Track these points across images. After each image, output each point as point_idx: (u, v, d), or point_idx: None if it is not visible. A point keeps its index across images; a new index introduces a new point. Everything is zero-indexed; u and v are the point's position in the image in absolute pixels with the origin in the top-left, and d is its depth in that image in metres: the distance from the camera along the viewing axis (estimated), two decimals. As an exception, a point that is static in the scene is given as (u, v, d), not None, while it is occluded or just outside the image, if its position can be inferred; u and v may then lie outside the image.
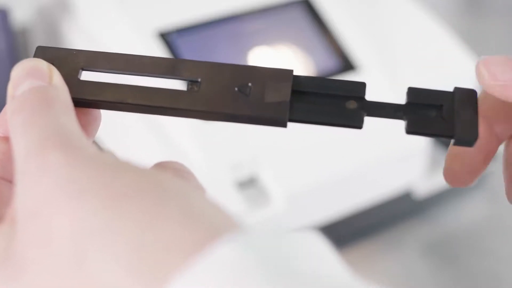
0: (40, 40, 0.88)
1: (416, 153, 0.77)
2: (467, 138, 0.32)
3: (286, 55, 0.80)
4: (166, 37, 0.75)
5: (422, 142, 0.77)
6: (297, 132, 0.74)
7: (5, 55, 0.79)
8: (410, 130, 0.32)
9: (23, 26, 0.93)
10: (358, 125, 0.32)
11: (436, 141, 0.81)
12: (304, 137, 0.74)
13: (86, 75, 0.33)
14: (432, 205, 0.84)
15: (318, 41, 0.80)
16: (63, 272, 0.26)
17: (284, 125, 0.32)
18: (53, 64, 0.32)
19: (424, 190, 0.81)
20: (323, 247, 0.26)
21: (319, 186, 0.73)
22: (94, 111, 0.33)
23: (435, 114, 0.32)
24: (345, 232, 0.78)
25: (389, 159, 0.76)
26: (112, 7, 0.78)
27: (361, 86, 0.33)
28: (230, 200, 0.68)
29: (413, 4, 0.88)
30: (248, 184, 0.72)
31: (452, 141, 0.32)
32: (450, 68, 0.82)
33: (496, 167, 0.80)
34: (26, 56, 0.32)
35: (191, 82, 0.32)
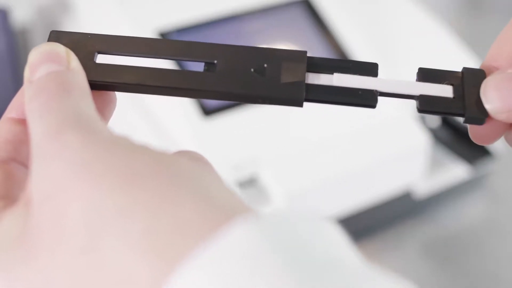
0: (40, 40, 0.88)
1: (416, 153, 0.77)
2: (477, 116, 0.32)
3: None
4: (166, 37, 0.76)
5: (422, 142, 0.77)
6: (297, 132, 0.74)
7: (5, 55, 0.79)
8: (421, 109, 0.33)
9: (23, 26, 0.93)
10: (373, 104, 0.32)
11: (436, 141, 0.81)
12: (304, 137, 0.74)
13: (101, 59, 0.33)
14: (432, 205, 0.84)
15: (318, 41, 0.80)
16: (76, 256, 0.26)
17: (301, 105, 0.32)
18: (68, 48, 0.32)
19: (424, 190, 0.81)
20: (337, 235, 0.26)
21: (319, 186, 0.73)
22: (110, 93, 0.33)
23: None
24: (345, 232, 0.78)
25: (389, 159, 0.76)
26: (112, 7, 0.78)
27: (374, 66, 0.33)
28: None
29: (413, 4, 0.88)
30: (248, 184, 0.72)
31: (463, 119, 0.33)
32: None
33: (496, 167, 0.80)
34: (26, 56, 0.31)
35: (207, 64, 0.32)
